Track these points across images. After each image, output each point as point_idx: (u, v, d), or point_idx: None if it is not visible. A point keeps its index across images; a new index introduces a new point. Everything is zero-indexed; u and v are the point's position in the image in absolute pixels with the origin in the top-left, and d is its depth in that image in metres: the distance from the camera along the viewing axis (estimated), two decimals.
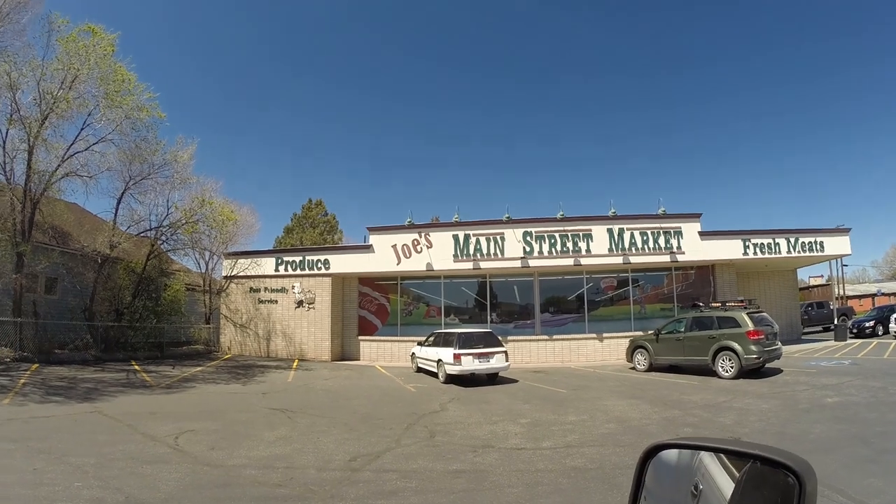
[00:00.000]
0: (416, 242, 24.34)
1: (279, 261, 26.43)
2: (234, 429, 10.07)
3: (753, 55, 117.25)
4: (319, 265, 25.49)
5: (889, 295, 59.35)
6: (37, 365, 18.06)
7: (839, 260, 28.19)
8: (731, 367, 15.78)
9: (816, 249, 24.24)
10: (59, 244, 23.41)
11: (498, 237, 23.76)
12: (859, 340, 26.88)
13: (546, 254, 23.54)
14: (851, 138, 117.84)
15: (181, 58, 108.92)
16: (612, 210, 23.73)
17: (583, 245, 23.46)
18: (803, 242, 24.10)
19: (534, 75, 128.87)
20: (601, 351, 23.79)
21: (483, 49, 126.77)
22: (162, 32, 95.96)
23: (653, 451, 1.67)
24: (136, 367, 19.81)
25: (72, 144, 20.50)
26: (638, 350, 19.21)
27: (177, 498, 6.05)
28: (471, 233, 23.94)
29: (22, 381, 15.03)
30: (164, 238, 24.68)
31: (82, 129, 20.72)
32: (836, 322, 28.52)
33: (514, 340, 23.47)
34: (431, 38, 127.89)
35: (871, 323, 29.32)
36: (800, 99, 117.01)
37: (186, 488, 6.44)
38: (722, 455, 1.54)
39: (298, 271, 25.85)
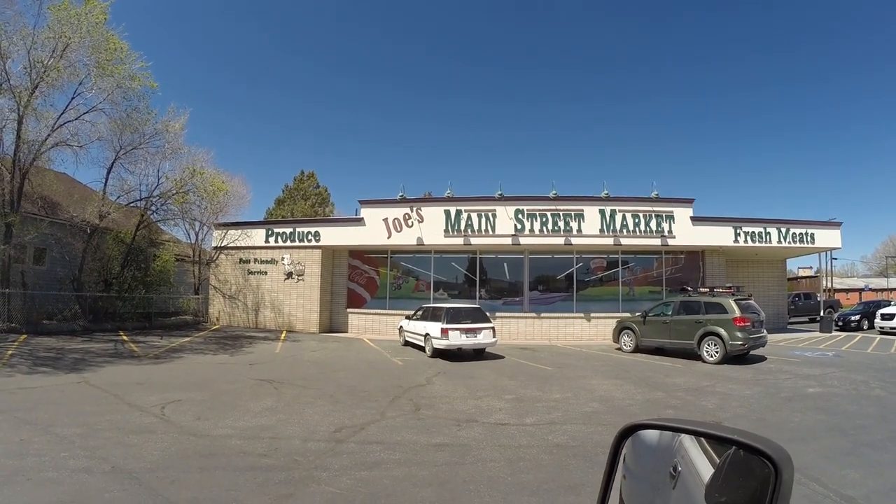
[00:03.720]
0: (407, 217, 24.27)
1: (269, 232, 26.36)
2: (220, 399, 10.09)
3: (754, 54, 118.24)
4: (310, 237, 25.41)
5: (876, 290, 60.06)
6: (25, 336, 18.07)
7: (829, 253, 28.40)
8: (716, 353, 15.93)
9: (807, 241, 24.36)
10: (48, 214, 23.20)
11: (490, 214, 23.69)
12: (844, 333, 27.17)
13: (537, 232, 23.52)
14: (849, 138, 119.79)
15: (176, 32, 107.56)
16: (605, 191, 23.67)
17: (574, 225, 23.45)
18: (794, 233, 24.20)
19: (537, 64, 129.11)
20: (588, 330, 23.93)
21: (482, 38, 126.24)
22: (156, 6, 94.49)
23: (629, 431, 1.67)
24: (124, 337, 19.81)
25: (62, 114, 20.22)
26: (625, 331, 19.33)
27: (162, 467, 6.07)
28: (462, 209, 23.86)
29: (10, 352, 15.00)
30: (154, 208, 24.50)
31: (73, 98, 20.44)
32: (822, 314, 28.82)
33: (502, 317, 23.57)
34: (427, 26, 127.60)
35: (857, 317, 29.60)
36: (800, 98, 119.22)
37: (172, 458, 6.46)
38: (701, 438, 1.55)
39: (288, 243, 25.78)
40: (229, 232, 26.20)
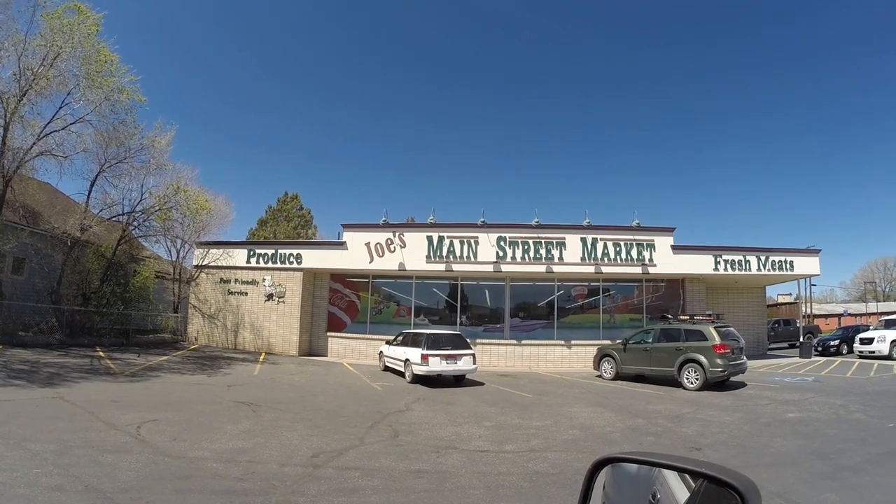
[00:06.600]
0: (389, 241, 24.26)
1: (251, 253, 26.16)
2: (197, 420, 9.97)
3: (731, 84, 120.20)
4: (291, 259, 25.29)
5: (855, 315, 60.71)
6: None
7: (808, 279, 28.68)
8: (697, 379, 15.99)
9: (786, 268, 24.64)
10: (29, 224, 22.95)
11: (472, 240, 23.78)
12: (824, 358, 27.42)
13: (519, 259, 23.63)
14: (828, 166, 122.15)
15: (166, 51, 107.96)
16: (587, 220, 23.91)
17: (556, 253, 23.59)
18: (773, 261, 24.49)
19: (519, 94, 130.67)
20: (569, 358, 23.93)
21: (465, 66, 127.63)
22: (146, 23, 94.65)
23: (601, 464, 1.70)
24: (101, 353, 19.52)
25: (49, 123, 20.09)
26: (605, 358, 19.34)
27: (136, 488, 5.98)
28: (445, 235, 23.91)
29: None
30: (136, 224, 24.32)
31: (60, 107, 20.34)
32: (801, 339, 29.07)
33: (482, 343, 23.55)
34: (412, 54, 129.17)
35: (836, 342, 29.95)
36: (779, 127, 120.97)
37: (146, 479, 6.36)
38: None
39: (270, 264, 25.62)
40: (211, 251, 25.96)
